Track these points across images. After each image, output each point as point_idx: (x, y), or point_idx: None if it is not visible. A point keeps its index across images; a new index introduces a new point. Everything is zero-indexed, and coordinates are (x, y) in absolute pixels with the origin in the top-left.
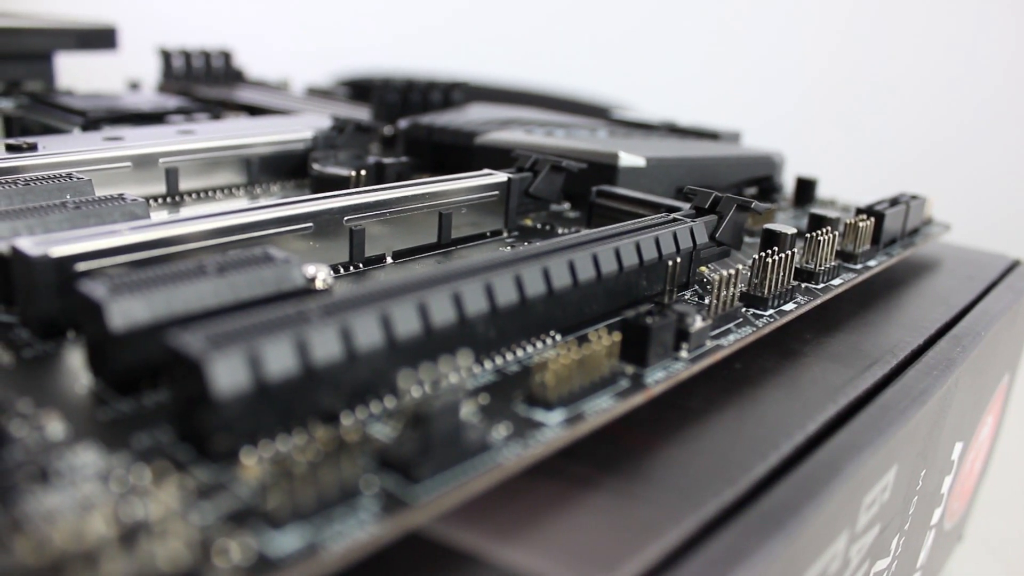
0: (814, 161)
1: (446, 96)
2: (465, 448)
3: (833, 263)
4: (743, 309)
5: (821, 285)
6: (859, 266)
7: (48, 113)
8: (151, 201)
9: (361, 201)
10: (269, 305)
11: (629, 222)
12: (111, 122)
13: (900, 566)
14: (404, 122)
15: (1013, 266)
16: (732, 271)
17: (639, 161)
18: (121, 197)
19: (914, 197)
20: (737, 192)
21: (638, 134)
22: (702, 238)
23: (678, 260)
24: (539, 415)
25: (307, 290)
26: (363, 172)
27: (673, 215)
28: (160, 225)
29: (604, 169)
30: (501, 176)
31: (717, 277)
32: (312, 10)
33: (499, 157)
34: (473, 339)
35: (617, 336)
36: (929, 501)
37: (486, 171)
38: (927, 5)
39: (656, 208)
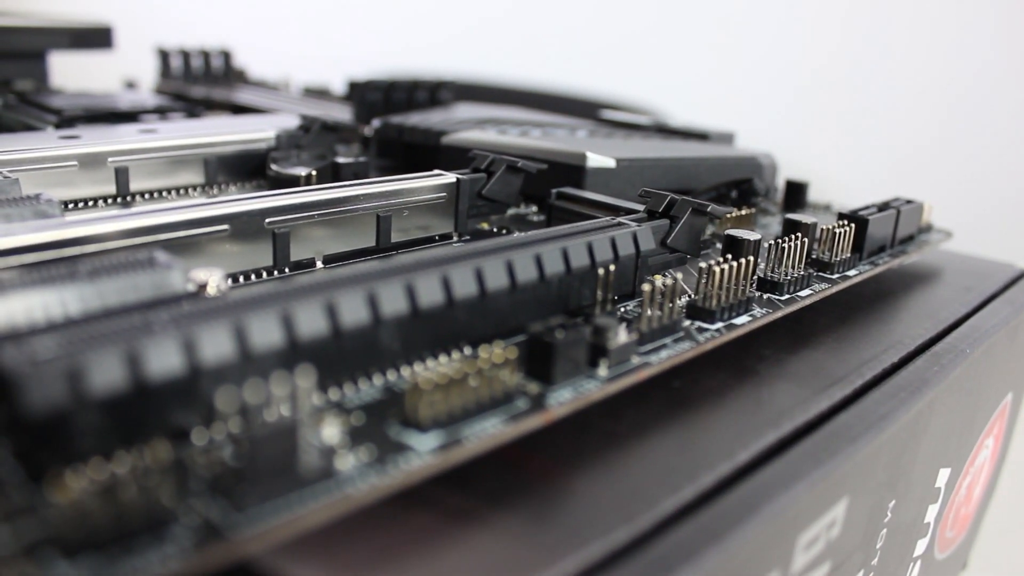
0: (831, 165)
1: (432, 95)
2: (303, 475)
3: (802, 272)
4: (686, 322)
5: (785, 296)
6: (835, 276)
7: (26, 112)
8: (101, 202)
9: (285, 203)
10: (131, 313)
11: (567, 226)
12: (86, 121)
13: None
14: (377, 121)
15: (1019, 277)
16: (670, 281)
17: (608, 162)
18: (37, 197)
19: (908, 202)
20: (718, 195)
21: (621, 134)
22: (648, 244)
23: (611, 268)
24: (410, 438)
25: (192, 297)
26: (314, 173)
27: (619, 219)
28: (56, 228)
29: (572, 170)
30: (450, 177)
31: (648, 287)
32: (339, 13)
33: (466, 157)
34: (363, 352)
35: (512, 351)
36: (907, 532)
37: (435, 172)
38: (945, 8)
39: (618, 211)
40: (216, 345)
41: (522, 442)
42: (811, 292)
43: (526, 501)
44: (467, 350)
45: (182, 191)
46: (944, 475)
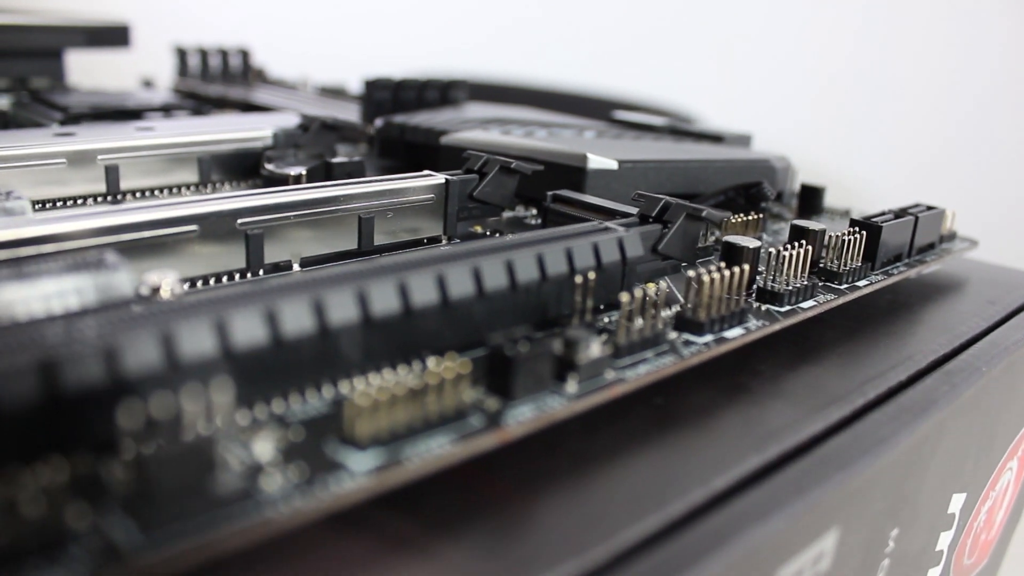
0: (867, 170)
1: (444, 94)
2: (218, 496)
3: (805, 282)
4: (672, 335)
5: (785, 308)
6: (844, 286)
7: (35, 110)
8: (91, 200)
9: (258, 203)
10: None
11: (550, 230)
12: (92, 119)
13: None
14: (380, 121)
15: None
16: (652, 290)
17: (610, 164)
18: (7, 195)
19: (929, 208)
20: (725, 199)
21: (631, 135)
22: (636, 251)
23: (590, 275)
24: (346, 457)
25: (135, 300)
26: (303, 172)
27: (606, 223)
28: (14, 227)
29: (572, 172)
30: (439, 178)
31: (626, 297)
32: (372, 14)
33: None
34: (311, 362)
35: (466, 365)
36: (916, 561)
37: (425, 172)
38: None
39: (614, 215)
40: (140, 354)
41: (481, 463)
42: (815, 303)
43: (474, 529)
44: (432, 362)
45: (175, 190)
46: (959, 500)
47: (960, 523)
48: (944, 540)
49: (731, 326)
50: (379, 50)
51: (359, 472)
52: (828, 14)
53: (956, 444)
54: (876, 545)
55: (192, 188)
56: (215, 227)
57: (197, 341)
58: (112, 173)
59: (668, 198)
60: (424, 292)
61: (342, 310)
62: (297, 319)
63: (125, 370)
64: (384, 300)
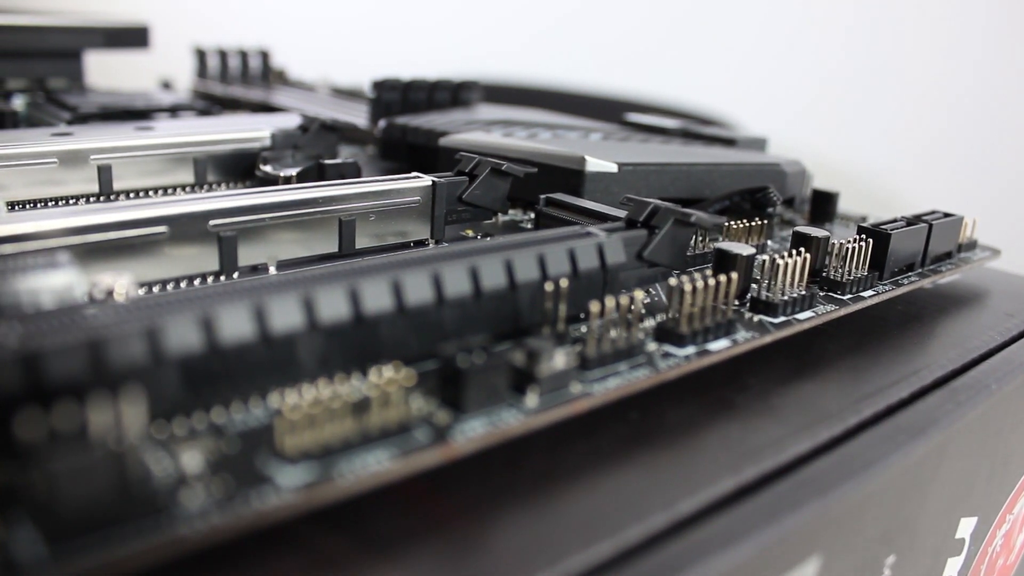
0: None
1: (454, 96)
2: (130, 510)
3: (802, 292)
4: (651, 346)
5: (779, 319)
6: (847, 297)
7: (46, 110)
8: (82, 200)
9: (231, 204)
10: None
11: (526, 234)
12: (101, 119)
13: None
14: (383, 122)
15: None
16: (626, 299)
17: (609, 166)
18: None
19: (946, 215)
20: (731, 203)
21: (639, 138)
22: (617, 257)
23: (562, 283)
24: (275, 472)
25: (92, 303)
26: (294, 173)
27: (590, 228)
28: None
29: (571, 174)
30: (425, 180)
31: (595, 306)
32: (416, 19)
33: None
34: (257, 370)
35: (410, 376)
36: None
37: (412, 175)
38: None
39: (606, 219)
40: (64, 361)
41: (432, 481)
42: (812, 314)
43: (414, 549)
44: (374, 374)
45: (170, 190)
46: (968, 525)
47: (971, 548)
48: (952, 566)
49: (717, 338)
50: (412, 55)
51: (285, 488)
52: (869, 15)
53: (963, 466)
54: (869, 573)
55: (188, 189)
56: (186, 228)
57: (126, 348)
58: (105, 173)
59: (657, 202)
60: (377, 298)
61: (285, 316)
62: (236, 326)
63: (48, 377)
64: (332, 306)
